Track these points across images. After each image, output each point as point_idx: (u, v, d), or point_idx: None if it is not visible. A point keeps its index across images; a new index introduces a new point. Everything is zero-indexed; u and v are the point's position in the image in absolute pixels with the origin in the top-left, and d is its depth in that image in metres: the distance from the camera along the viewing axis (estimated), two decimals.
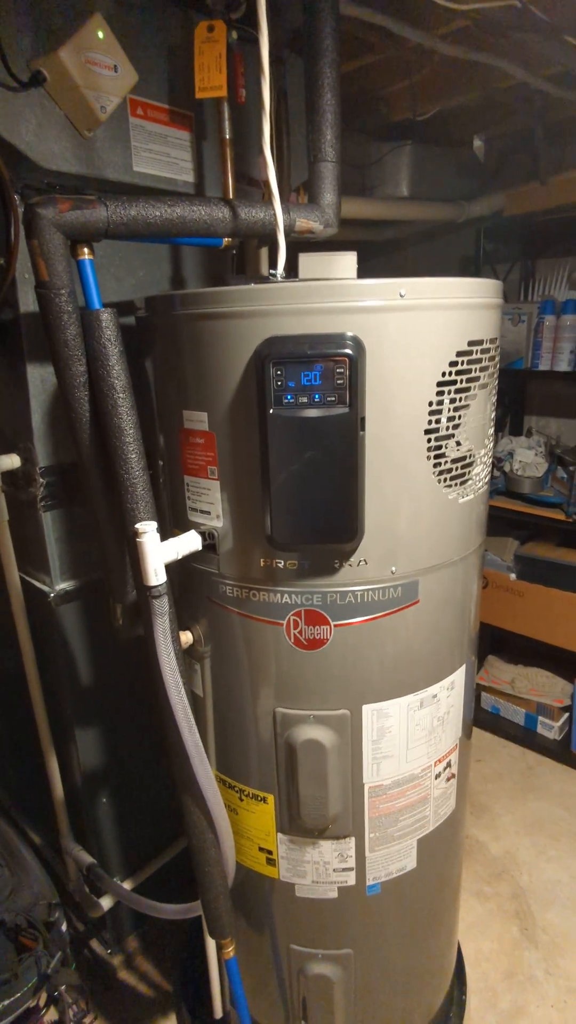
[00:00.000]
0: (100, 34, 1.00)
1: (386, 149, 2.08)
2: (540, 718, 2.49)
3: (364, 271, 0.95)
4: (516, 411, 2.65)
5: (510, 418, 2.66)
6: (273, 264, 0.95)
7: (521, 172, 2.37)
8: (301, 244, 1.13)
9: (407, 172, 2.11)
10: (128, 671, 1.48)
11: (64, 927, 0.95)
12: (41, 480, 1.27)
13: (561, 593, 2.26)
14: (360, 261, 0.98)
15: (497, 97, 1.86)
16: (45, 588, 1.34)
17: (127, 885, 1.58)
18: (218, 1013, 1.36)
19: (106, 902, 1.52)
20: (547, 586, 2.30)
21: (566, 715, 2.44)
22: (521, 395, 2.63)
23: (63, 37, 0.98)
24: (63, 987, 1.11)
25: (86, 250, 0.87)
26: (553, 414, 2.58)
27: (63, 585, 1.35)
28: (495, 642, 2.73)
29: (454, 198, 2.33)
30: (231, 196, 1.19)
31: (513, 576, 2.40)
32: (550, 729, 2.46)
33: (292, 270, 0.96)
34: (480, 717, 2.62)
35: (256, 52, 0.85)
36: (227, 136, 1.14)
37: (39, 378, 1.22)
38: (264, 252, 1.48)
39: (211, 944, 1.25)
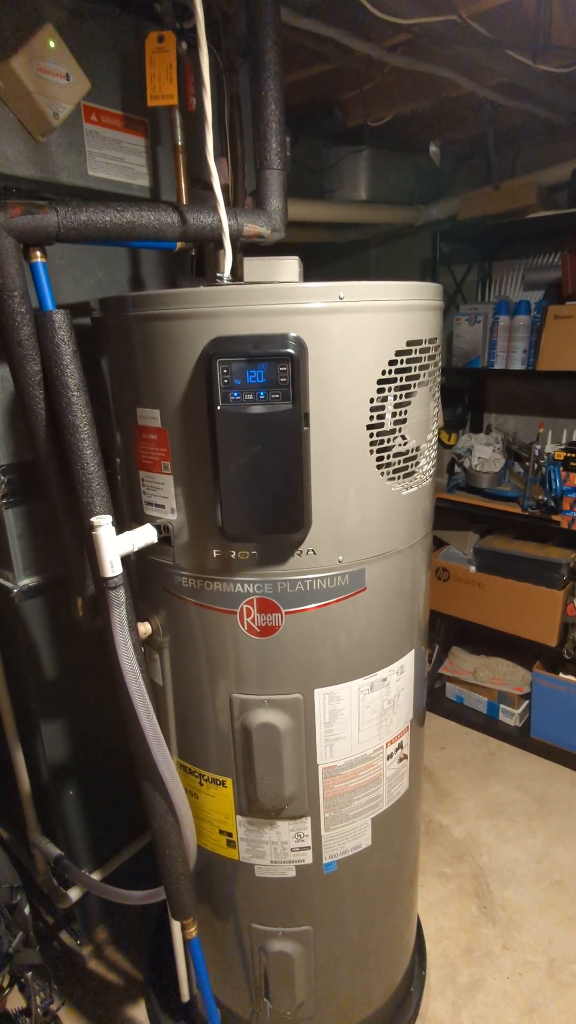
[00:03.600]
0: (51, 43, 1.03)
1: (343, 153, 2.13)
2: (501, 706, 2.57)
3: (326, 273, 1.00)
4: (475, 409, 2.73)
5: (470, 416, 2.74)
6: (232, 268, 0.99)
7: (476, 177, 2.46)
8: (261, 249, 1.17)
9: (365, 176, 2.17)
10: (93, 665, 1.51)
11: (27, 909, 0.98)
12: (2, 478, 1.29)
13: (518, 584, 2.34)
14: (323, 263, 1.03)
15: (449, 105, 1.93)
16: (8, 584, 1.36)
17: (96, 876, 1.61)
18: (185, 996, 1.39)
19: (74, 893, 1.54)
20: (505, 577, 2.38)
21: (526, 702, 2.53)
22: (480, 393, 2.71)
23: (15, 46, 1.01)
24: (29, 974, 1.13)
25: (38, 253, 0.90)
26: (510, 411, 2.66)
27: (26, 581, 1.37)
28: (459, 633, 2.81)
29: (412, 202, 2.40)
30: (184, 201, 1.23)
31: (473, 568, 2.47)
32: (511, 716, 2.55)
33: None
34: (445, 706, 2.69)
35: (208, 62, 0.89)
36: (179, 143, 1.18)
37: None
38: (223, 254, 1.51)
39: (176, 928, 1.28)
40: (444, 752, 2.47)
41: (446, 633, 2.82)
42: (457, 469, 2.57)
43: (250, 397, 0.86)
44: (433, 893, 1.86)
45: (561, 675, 2.37)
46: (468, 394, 2.71)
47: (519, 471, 2.46)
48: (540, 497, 2.26)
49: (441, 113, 2.07)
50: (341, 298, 0.88)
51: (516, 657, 2.59)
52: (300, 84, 1.75)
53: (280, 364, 0.85)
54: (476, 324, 2.34)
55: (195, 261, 1.52)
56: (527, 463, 2.35)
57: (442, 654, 2.79)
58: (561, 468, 2.19)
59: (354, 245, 2.77)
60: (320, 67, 1.64)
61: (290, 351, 0.84)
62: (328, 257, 2.83)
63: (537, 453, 2.28)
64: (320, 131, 2.16)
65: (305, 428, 0.89)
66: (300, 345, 0.86)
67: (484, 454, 2.47)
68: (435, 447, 1.12)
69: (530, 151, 2.36)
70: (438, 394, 1.10)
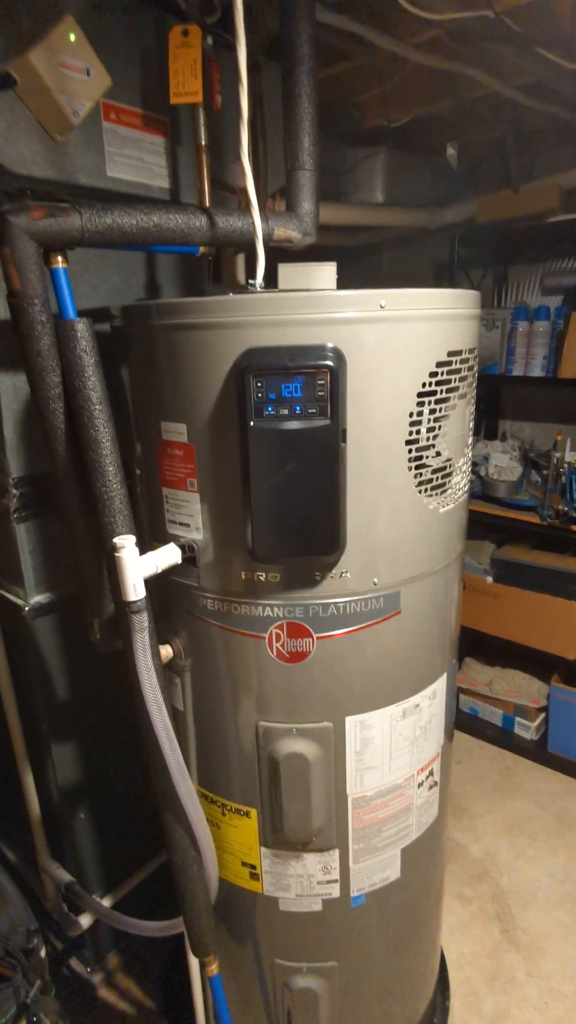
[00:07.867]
0: (71, 36, 0.98)
1: (360, 155, 2.08)
2: (517, 719, 2.52)
3: (339, 277, 0.95)
4: (491, 416, 2.68)
5: (485, 423, 2.69)
6: (252, 273, 0.94)
7: (494, 179, 2.40)
8: (277, 253, 1.12)
9: (381, 178, 2.12)
10: (106, 685, 1.45)
11: (43, 953, 0.93)
12: (14, 491, 1.24)
13: (536, 595, 2.29)
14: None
15: (469, 106, 1.88)
16: (19, 601, 1.30)
17: (106, 901, 1.55)
18: None
19: (85, 920, 1.49)
20: (523, 588, 2.33)
21: (542, 715, 2.47)
22: (496, 400, 2.66)
23: (33, 39, 0.96)
24: (43, 1016, 1.08)
25: (60, 259, 0.85)
26: (527, 418, 2.61)
27: (38, 598, 1.31)
28: (473, 644, 2.75)
29: (428, 204, 2.34)
30: (207, 203, 1.18)
31: (490, 579, 2.42)
32: (527, 730, 2.49)
33: (270, 279, 0.95)
34: (459, 719, 2.64)
35: (232, 58, 0.84)
36: (203, 143, 1.13)
37: (11, 386, 1.20)
38: (241, 259, 1.46)
39: (194, 961, 1.23)
40: (459, 767, 2.42)
41: (460, 644, 2.76)
42: (472, 477, 2.52)
43: (285, 412, 0.81)
44: (453, 916, 1.81)
45: None
46: (483, 401, 2.66)
47: (536, 480, 2.41)
48: (559, 507, 2.20)
49: (459, 115, 2.02)
50: (382, 307, 0.82)
51: (532, 669, 2.53)
52: (317, 83, 1.70)
53: (318, 377, 0.80)
54: (494, 330, 2.29)
55: (212, 266, 1.47)
56: (545, 471, 2.30)
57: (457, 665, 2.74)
58: None
59: (366, 249, 2.72)
60: (340, 65, 1.59)
61: (329, 363, 0.79)
62: (338, 262, 2.77)
63: (556, 461, 2.23)
64: (336, 132, 2.11)
65: (342, 445, 0.84)
66: (339, 356, 0.81)
67: (501, 462, 2.42)
68: (470, 461, 1.07)
69: (548, 153, 2.30)
70: (473, 406, 1.05)
